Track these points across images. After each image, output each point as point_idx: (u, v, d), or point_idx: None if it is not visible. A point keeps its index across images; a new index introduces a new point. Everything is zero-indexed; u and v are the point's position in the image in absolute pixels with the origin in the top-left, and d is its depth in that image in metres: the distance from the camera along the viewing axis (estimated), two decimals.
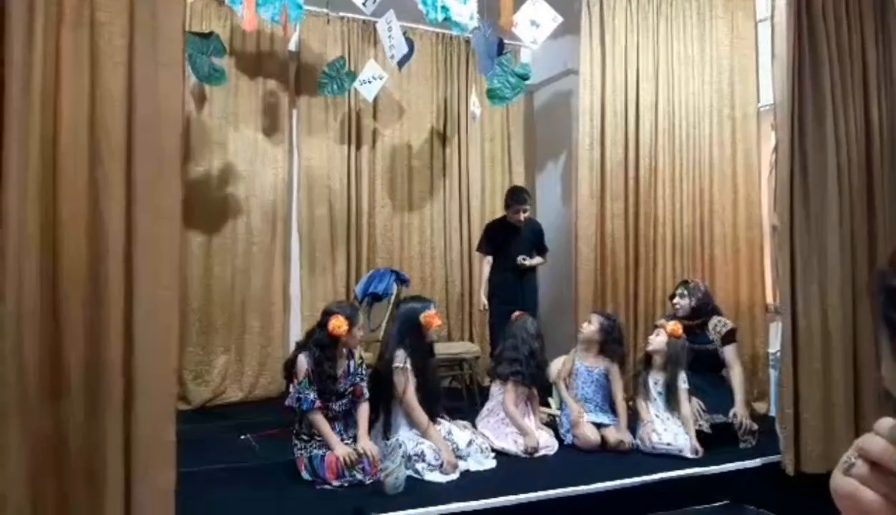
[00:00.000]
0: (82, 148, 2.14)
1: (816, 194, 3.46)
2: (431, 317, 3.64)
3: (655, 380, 3.89)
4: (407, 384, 3.50)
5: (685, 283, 4.28)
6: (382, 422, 3.55)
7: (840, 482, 0.56)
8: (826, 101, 3.48)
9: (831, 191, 3.47)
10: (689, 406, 3.84)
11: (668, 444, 3.66)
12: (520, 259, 4.92)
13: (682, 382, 3.85)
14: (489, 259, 5.07)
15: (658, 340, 3.93)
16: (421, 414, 3.49)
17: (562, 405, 4.06)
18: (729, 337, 4.07)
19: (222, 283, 5.17)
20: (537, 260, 5.05)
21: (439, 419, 3.68)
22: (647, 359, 3.97)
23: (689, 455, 3.60)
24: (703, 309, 4.14)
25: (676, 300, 4.21)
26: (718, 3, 4.82)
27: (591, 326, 4.04)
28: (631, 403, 4.01)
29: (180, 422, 2.32)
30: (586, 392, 3.97)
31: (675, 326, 3.93)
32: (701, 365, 4.06)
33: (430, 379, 3.70)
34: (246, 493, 3.16)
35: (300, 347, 3.48)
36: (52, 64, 2.11)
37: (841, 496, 0.56)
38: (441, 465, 3.32)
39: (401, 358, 3.54)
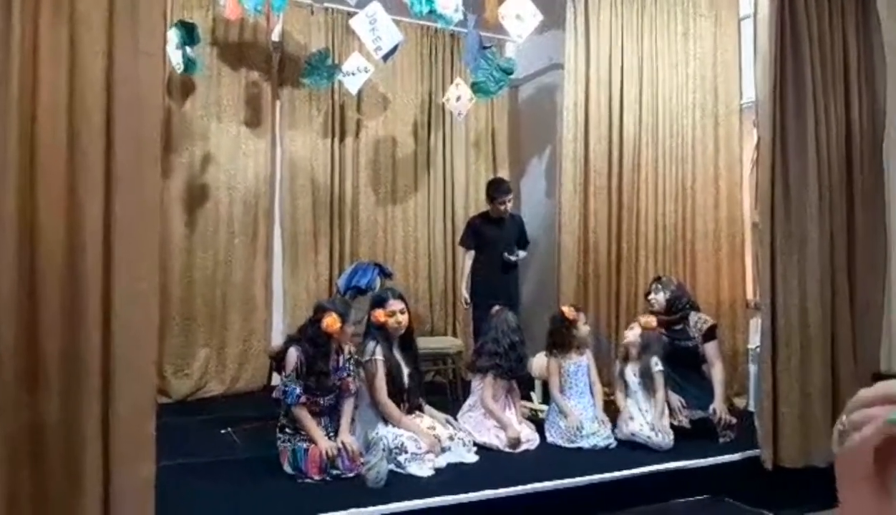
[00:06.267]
0: (61, 136, 2.11)
1: (797, 191, 3.49)
2: (378, 315, 3.60)
3: (634, 371, 3.92)
4: (375, 376, 3.50)
5: (658, 279, 4.30)
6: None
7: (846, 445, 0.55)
8: (807, 99, 3.51)
9: (812, 188, 3.50)
10: (666, 392, 3.87)
11: (648, 437, 3.69)
12: (506, 255, 4.94)
13: (655, 365, 3.87)
14: (471, 253, 5.07)
15: (632, 333, 3.99)
16: (391, 409, 3.48)
17: (551, 403, 4.03)
18: (710, 334, 4.09)
19: (203, 276, 5.12)
20: (522, 254, 5.07)
21: (420, 413, 3.69)
22: (625, 354, 4.01)
23: (663, 447, 3.64)
24: (679, 303, 4.16)
25: (651, 296, 4.22)
26: (702, 1, 4.84)
27: (586, 327, 4.07)
28: (612, 396, 4.04)
29: (161, 416, 2.30)
30: (581, 388, 3.97)
31: (647, 319, 3.98)
32: (681, 361, 4.09)
33: (411, 370, 3.69)
34: (227, 487, 3.14)
35: (291, 342, 3.46)
36: (31, 52, 2.08)
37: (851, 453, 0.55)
38: (426, 451, 3.32)
39: (370, 351, 3.54)
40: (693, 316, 4.15)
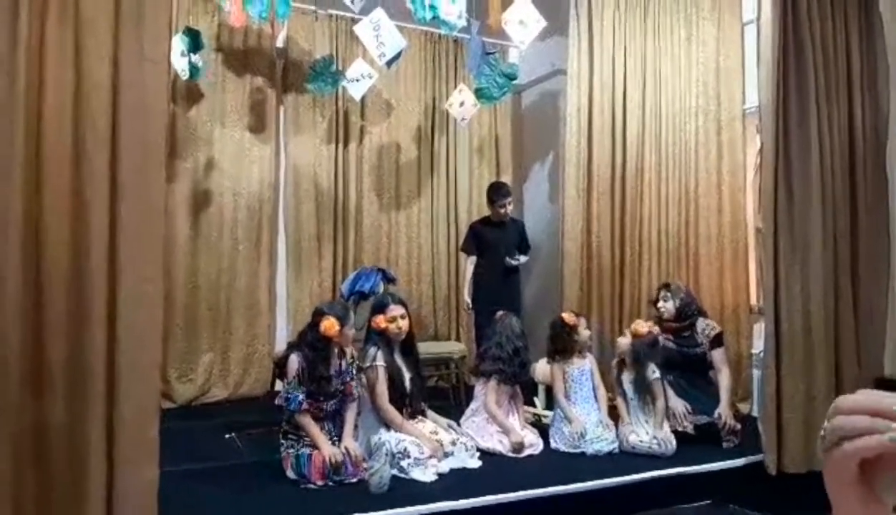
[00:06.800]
0: (67, 141, 2.13)
1: (800, 196, 3.49)
2: (378, 321, 3.60)
3: (630, 379, 3.92)
4: (376, 383, 3.50)
5: (666, 286, 4.26)
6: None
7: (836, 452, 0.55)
8: (810, 104, 3.51)
9: (815, 193, 3.50)
10: (666, 398, 3.86)
11: (650, 447, 3.68)
12: (507, 259, 4.95)
13: (652, 373, 3.86)
14: (473, 258, 5.08)
15: (623, 342, 3.98)
16: (393, 415, 3.48)
17: (555, 409, 4.03)
18: (717, 341, 4.09)
19: (208, 281, 5.14)
20: (523, 258, 5.09)
21: (422, 418, 3.69)
22: (621, 362, 4.01)
23: (666, 453, 3.63)
24: (688, 310, 4.15)
25: (660, 304, 4.19)
26: (705, 5, 4.85)
27: (587, 331, 4.09)
28: (615, 402, 4.04)
29: (165, 420, 2.30)
30: (585, 393, 3.98)
31: (636, 327, 3.95)
32: (688, 367, 4.10)
33: (413, 375, 3.69)
34: (230, 492, 3.14)
35: (292, 348, 3.47)
36: (37, 56, 2.10)
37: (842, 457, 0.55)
38: (429, 456, 3.32)
39: (371, 357, 3.54)
40: (700, 323, 4.14)
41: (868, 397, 0.54)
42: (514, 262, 4.99)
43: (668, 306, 4.15)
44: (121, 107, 2.16)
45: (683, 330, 4.14)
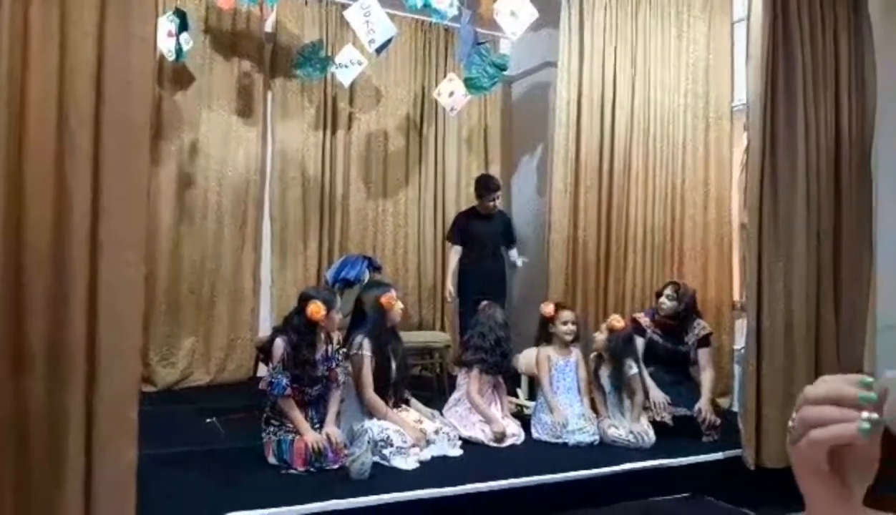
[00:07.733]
0: (50, 121, 2.10)
1: (785, 194, 3.51)
2: (390, 299, 3.64)
3: (608, 374, 3.95)
4: (362, 370, 3.50)
5: (675, 286, 4.23)
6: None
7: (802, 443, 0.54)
8: (798, 103, 3.53)
9: (800, 191, 3.52)
10: (644, 391, 3.90)
11: (628, 442, 3.71)
12: (517, 260, 5.05)
13: (630, 369, 3.89)
14: (458, 248, 5.08)
15: (599, 338, 4.01)
16: (377, 403, 3.48)
17: (538, 399, 4.05)
18: (704, 341, 4.12)
19: (191, 265, 5.11)
20: (520, 260, 5.15)
21: (406, 407, 3.69)
22: (599, 356, 4.03)
23: (644, 446, 3.66)
24: (686, 312, 4.17)
25: (663, 300, 4.18)
26: (696, 3, 4.86)
27: (571, 326, 4.07)
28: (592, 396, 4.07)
29: (146, 404, 2.29)
30: (568, 384, 4.00)
31: (612, 322, 3.97)
32: (672, 363, 4.14)
33: (398, 364, 3.70)
34: (210, 476, 3.13)
35: (277, 332, 3.45)
36: (21, 33, 2.07)
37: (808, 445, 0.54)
38: (411, 445, 3.33)
39: (357, 344, 3.54)
40: (694, 322, 4.16)
41: (834, 386, 0.54)
42: (518, 262, 5.07)
43: (670, 305, 4.15)
44: (105, 87, 2.13)
45: (675, 328, 4.16)
